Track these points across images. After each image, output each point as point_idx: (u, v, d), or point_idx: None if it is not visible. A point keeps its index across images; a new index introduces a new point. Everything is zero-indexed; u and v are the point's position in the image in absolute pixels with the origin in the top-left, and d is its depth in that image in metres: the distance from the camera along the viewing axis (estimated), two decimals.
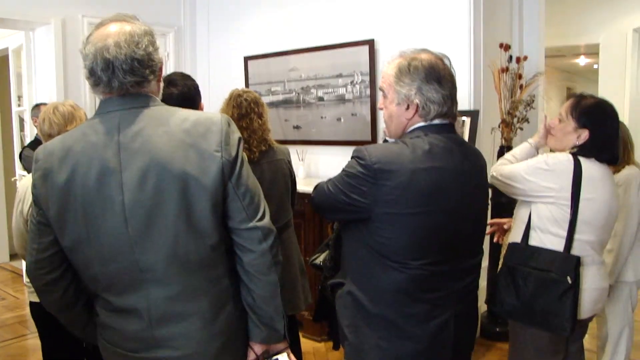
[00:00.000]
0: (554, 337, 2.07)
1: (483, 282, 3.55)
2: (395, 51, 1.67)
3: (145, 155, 1.31)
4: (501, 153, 3.46)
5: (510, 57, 3.71)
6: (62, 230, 1.36)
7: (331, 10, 4.21)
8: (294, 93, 4.44)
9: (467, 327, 1.70)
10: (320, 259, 1.98)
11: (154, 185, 1.30)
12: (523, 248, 2.09)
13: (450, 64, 1.64)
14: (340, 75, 4.13)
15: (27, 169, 3.90)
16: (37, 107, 4.17)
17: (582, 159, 2.04)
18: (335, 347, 1.92)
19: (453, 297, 1.60)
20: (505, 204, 3.07)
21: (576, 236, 2.02)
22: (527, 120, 3.66)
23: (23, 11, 4.18)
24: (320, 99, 4.28)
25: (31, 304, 2.39)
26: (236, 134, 1.40)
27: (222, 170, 1.33)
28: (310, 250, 3.26)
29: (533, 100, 3.67)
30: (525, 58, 3.75)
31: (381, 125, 3.73)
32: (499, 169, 2.22)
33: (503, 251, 2.26)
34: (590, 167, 2.03)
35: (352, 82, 4.07)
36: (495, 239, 2.52)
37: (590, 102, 2.12)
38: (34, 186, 1.39)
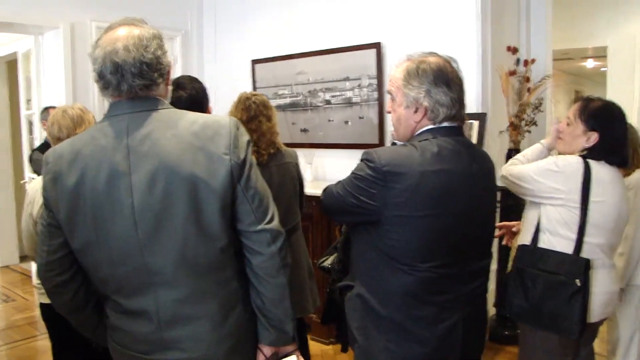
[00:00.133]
0: (564, 340, 2.06)
1: (492, 286, 3.52)
2: (402, 54, 1.67)
3: (154, 158, 1.31)
4: (509, 156, 3.45)
5: (518, 60, 3.71)
6: (72, 232, 1.37)
7: (338, 14, 4.21)
8: (301, 96, 4.45)
9: (476, 330, 1.69)
10: (328, 261, 1.98)
11: (163, 188, 1.30)
12: (532, 250, 2.09)
13: (458, 66, 1.63)
14: (347, 79, 4.13)
15: (37, 171, 3.92)
16: (46, 110, 4.20)
17: (591, 162, 2.03)
18: (344, 350, 1.92)
19: (461, 300, 1.59)
20: (514, 207, 3.06)
21: (586, 239, 2.01)
22: (535, 124, 3.65)
23: (32, 16, 4.21)
24: (328, 102, 4.29)
25: (41, 305, 2.40)
26: (245, 137, 1.40)
27: (231, 173, 1.33)
28: (319, 253, 3.26)
29: (541, 103, 3.65)
30: (533, 61, 3.74)
31: (389, 128, 3.73)
32: (509, 168, 2.22)
33: (512, 254, 2.25)
34: (600, 170, 2.03)
35: (359, 85, 4.07)
36: (504, 242, 2.51)
37: (598, 105, 2.11)
38: (44, 189, 1.40)
